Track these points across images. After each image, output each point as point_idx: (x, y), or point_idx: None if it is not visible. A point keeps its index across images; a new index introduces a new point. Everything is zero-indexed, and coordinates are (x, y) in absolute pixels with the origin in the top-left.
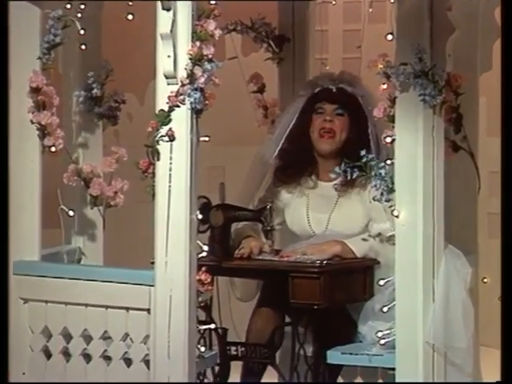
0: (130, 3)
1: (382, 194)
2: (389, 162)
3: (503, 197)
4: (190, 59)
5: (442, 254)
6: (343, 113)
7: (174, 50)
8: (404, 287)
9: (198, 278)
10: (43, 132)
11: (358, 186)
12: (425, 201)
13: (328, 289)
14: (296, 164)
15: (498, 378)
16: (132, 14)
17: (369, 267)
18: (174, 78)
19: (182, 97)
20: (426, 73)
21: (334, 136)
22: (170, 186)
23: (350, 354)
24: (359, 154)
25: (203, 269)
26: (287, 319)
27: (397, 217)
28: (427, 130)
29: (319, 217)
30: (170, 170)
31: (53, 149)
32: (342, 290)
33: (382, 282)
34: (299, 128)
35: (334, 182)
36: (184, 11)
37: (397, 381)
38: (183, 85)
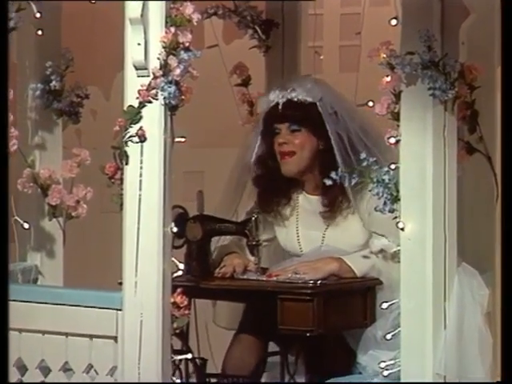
0: None
1: (385, 203)
2: (393, 166)
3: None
4: (164, 48)
5: (454, 273)
6: (298, 128)
7: (144, 36)
8: (411, 311)
9: (172, 300)
10: None
11: (347, 207)
12: (435, 211)
13: (322, 313)
14: (273, 189)
15: None
16: None
17: (370, 288)
18: (145, 69)
19: (154, 91)
20: (436, 63)
21: (293, 155)
22: (140, 195)
23: None
24: (332, 167)
25: (179, 290)
26: (275, 347)
27: (402, 230)
28: (437, 129)
29: (312, 235)
30: (141, 175)
31: None
32: (338, 315)
33: (385, 306)
34: (266, 151)
35: (316, 199)
36: None
37: None
38: (156, 77)
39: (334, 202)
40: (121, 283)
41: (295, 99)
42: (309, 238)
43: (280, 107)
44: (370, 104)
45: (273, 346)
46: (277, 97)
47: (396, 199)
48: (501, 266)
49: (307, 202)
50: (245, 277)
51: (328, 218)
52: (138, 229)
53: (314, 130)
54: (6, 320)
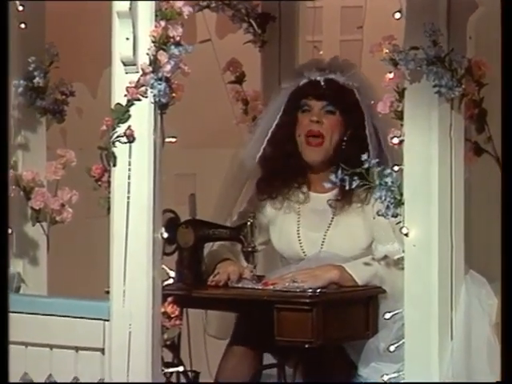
0: None
1: (387, 207)
2: (396, 168)
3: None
4: (154, 42)
5: (461, 282)
6: (334, 110)
7: (133, 31)
8: (415, 322)
9: (163, 310)
10: None
11: (358, 200)
12: (440, 216)
13: (322, 323)
14: (282, 174)
15: None
16: None
17: (372, 297)
18: (134, 65)
19: (143, 88)
20: (442, 59)
21: (322, 142)
22: (128, 198)
23: None
24: (357, 160)
25: (169, 299)
26: (272, 359)
27: (406, 235)
28: (443, 128)
29: (312, 236)
30: (129, 177)
31: None
32: (339, 325)
33: (388, 316)
34: (283, 130)
35: (328, 198)
36: None
37: None
38: (145, 73)
39: (350, 193)
40: (108, 292)
41: (336, 80)
42: (311, 241)
43: (322, 83)
44: (372, 102)
45: (269, 358)
46: (313, 74)
47: (399, 203)
48: (502, 271)
49: (311, 201)
50: (240, 285)
51: (335, 208)
52: (127, 234)
53: (348, 116)
54: (6, 320)
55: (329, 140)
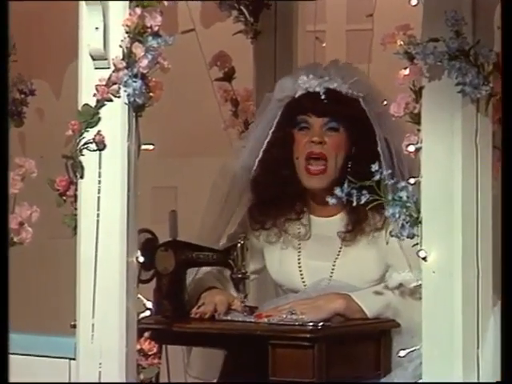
0: None
1: (402, 226)
2: (412, 180)
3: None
4: (128, 33)
5: (489, 313)
6: (337, 127)
7: (103, 19)
8: (435, 360)
9: (138, 347)
10: None
11: (373, 229)
12: (464, 237)
13: (325, 362)
14: (276, 201)
15: None
16: None
17: (384, 332)
18: (105, 59)
19: (115, 86)
20: (467, 52)
21: (325, 168)
22: (98, 215)
23: None
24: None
25: (146, 334)
26: None
27: (424, 259)
28: (467, 134)
29: (317, 265)
30: (99, 191)
31: None
32: (345, 364)
33: (403, 353)
34: (277, 150)
35: (333, 221)
36: None
37: None
38: (117, 69)
39: (363, 221)
40: (75, 326)
41: (338, 90)
42: (314, 270)
43: (322, 95)
44: (384, 103)
45: None
46: (311, 84)
47: (416, 221)
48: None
49: (313, 226)
50: (228, 318)
51: (346, 240)
52: (96, 258)
53: (353, 131)
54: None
55: (333, 163)
